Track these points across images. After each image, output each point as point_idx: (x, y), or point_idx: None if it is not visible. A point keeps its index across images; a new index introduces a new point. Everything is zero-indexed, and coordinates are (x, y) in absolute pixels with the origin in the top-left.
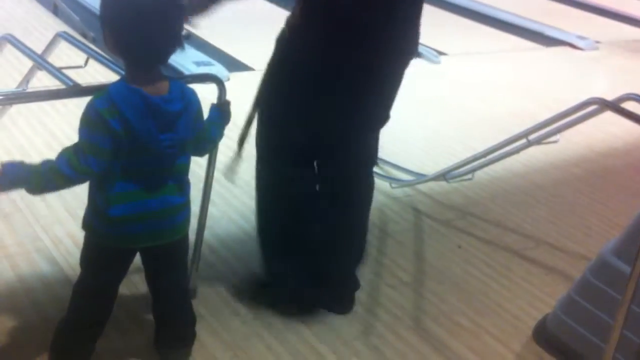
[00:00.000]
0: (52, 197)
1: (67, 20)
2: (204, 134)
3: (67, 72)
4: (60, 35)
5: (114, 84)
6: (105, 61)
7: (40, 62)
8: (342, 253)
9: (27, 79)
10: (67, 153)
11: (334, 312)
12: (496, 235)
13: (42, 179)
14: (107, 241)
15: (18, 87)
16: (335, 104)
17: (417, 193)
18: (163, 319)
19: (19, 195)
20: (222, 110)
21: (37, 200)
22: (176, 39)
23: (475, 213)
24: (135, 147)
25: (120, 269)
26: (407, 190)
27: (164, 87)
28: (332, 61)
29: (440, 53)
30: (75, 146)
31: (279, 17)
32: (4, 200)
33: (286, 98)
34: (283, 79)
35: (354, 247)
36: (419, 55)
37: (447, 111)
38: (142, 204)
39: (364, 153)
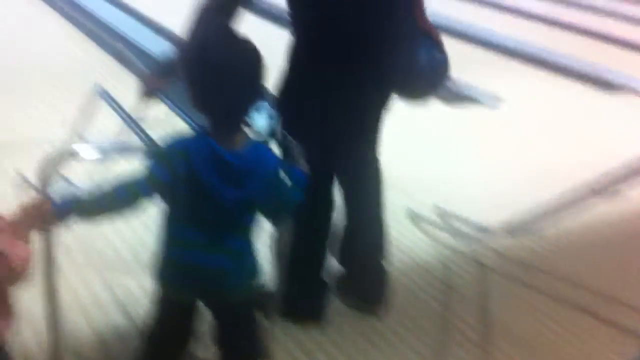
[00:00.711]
0: (124, 249)
1: (129, 66)
2: (283, 200)
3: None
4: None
5: (194, 132)
6: None
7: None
8: (363, 246)
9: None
10: (125, 180)
11: (367, 303)
12: (563, 290)
13: (93, 204)
14: (162, 286)
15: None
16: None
17: (482, 247)
18: None
19: (95, 249)
20: (301, 173)
21: (110, 253)
22: (252, 98)
23: (541, 267)
24: (197, 194)
25: (181, 319)
26: (472, 244)
27: (239, 143)
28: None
29: (499, 99)
30: (133, 177)
31: None
32: (79, 253)
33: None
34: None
35: (373, 238)
36: (476, 101)
37: (509, 161)
38: (195, 255)
39: (365, 145)
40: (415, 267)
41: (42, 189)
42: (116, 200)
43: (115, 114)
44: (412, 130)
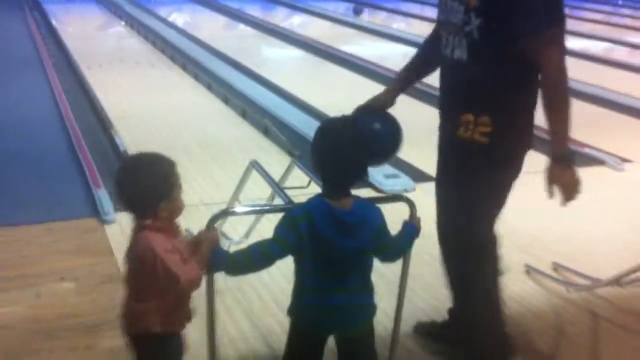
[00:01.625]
0: (264, 292)
1: (276, 141)
2: (390, 245)
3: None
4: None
5: (313, 197)
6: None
7: (273, 184)
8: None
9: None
10: (261, 243)
11: None
12: None
13: (236, 263)
14: (300, 326)
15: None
16: None
17: (595, 297)
18: None
19: (241, 293)
20: (412, 226)
21: (253, 296)
22: (362, 171)
23: None
24: (321, 248)
25: (313, 350)
26: (584, 294)
27: (349, 203)
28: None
29: (624, 160)
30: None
31: None
32: (227, 295)
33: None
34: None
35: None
36: (601, 162)
37: (626, 217)
38: (329, 298)
39: None
40: (529, 317)
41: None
42: (254, 261)
43: (264, 182)
44: (536, 189)
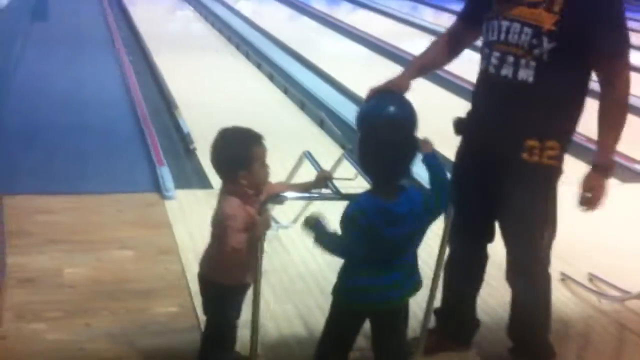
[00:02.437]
0: (307, 275)
1: (330, 133)
2: (437, 200)
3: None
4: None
5: (363, 193)
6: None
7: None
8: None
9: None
10: (336, 237)
11: None
12: None
13: (323, 243)
14: (345, 304)
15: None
16: None
17: (626, 310)
18: None
19: (287, 275)
20: (431, 155)
21: (296, 278)
22: (408, 168)
23: None
24: (373, 238)
25: (352, 329)
26: (616, 306)
27: (396, 195)
28: None
29: None
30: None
31: None
32: (274, 276)
33: None
34: None
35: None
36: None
37: None
38: (375, 279)
39: None
40: (559, 323)
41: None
42: (335, 250)
43: (316, 172)
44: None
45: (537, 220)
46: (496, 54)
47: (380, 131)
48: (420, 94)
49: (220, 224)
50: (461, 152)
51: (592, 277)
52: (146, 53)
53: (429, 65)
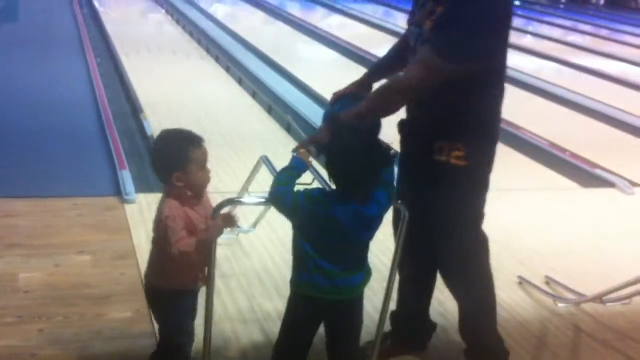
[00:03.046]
0: (266, 278)
1: (297, 137)
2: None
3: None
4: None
5: (337, 194)
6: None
7: None
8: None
9: None
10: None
11: None
12: None
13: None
14: (302, 299)
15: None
16: None
17: (581, 312)
18: None
19: (245, 277)
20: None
21: (255, 281)
22: (377, 178)
23: (634, 337)
24: (335, 237)
25: (307, 325)
26: (571, 309)
27: (366, 197)
28: None
29: (634, 184)
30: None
31: None
32: (232, 279)
33: None
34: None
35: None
36: (610, 184)
37: (628, 240)
38: (334, 279)
39: None
40: (514, 324)
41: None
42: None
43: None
44: (539, 205)
45: (453, 219)
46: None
47: (346, 137)
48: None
49: (159, 225)
50: (399, 156)
51: (549, 280)
52: (114, 55)
53: (390, 68)
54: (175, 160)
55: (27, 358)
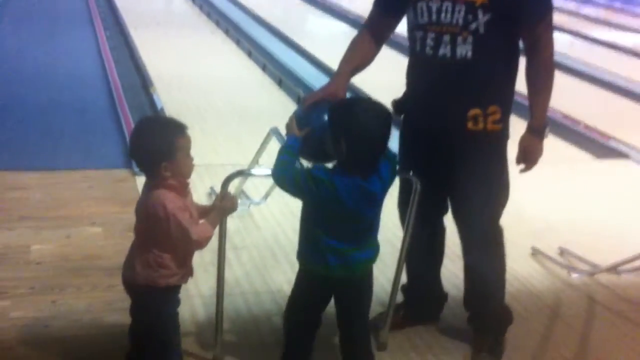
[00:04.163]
0: (278, 251)
1: None
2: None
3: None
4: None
5: (339, 171)
6: None
7: None
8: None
9: None
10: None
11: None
12: None
13: (284, 159)
14: (313, 277)
15: None
16: None
17: (595, 283)
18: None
19: (257, 249)
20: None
21: (267, 254)
22: (382, 152)
23: None
24: (342, 215)
25: (315, 298)
26: (586, 279)
27: (369, 172)
28: None
29: None
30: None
31: None
32: (244, 251)
33: None
34: None
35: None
36: (625, 155)
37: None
38: (347, 257)
39: None
40: (528, 295)
41: (225, 197)
42: (282, 166)
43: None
44: (555, 177)
45: (494, 186)
46: (430, 35)
47: (371, 123)
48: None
49: (159, 222)
50: (404, 133)
51: (563, 251)
52: (124, 29)
53: (359, 66)
54: (162, 151)
55: (41, 329)
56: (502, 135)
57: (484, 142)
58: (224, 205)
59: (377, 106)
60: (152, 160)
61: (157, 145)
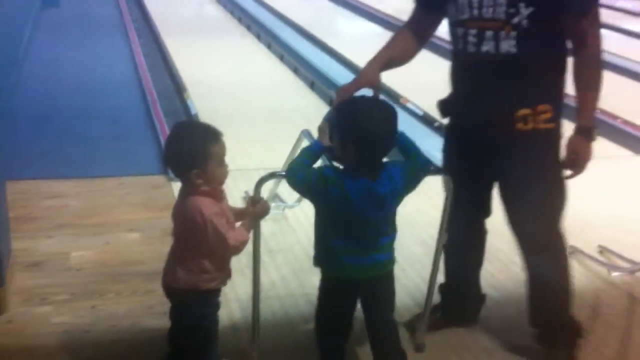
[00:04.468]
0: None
1: None
2: (416, 172)
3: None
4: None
5: (346, 171)
6: None
7: None
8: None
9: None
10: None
11: None
12: None
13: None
14: (332, 277)
15: None
16: None
17: (636, 281)
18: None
19: (292, 253)
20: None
21: (303, 257)
22: (392, 143)
23: None
24: (353, 218)
25: (340, 300)
26: (626, 277)
27: (378, 173)
28: None
29: None
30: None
31: None
32: (278, 255)
33: None
34: None
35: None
36: None
37: None
38: (358, 259)
39: None
40: None
41: (258, 201)
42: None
43: None
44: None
45: (549, 188)
46: (472, 31)
47: (373, 118)
48: None
49: (197, 228)
50: (450, 135)
51: (602, 249)
52: (156, 35)
53: (396, 60)
54: (194, 158)
55: (81, 335)
56: (555, 135)
57: (535, 143)
58: (256, 210)
59: (379, 104)
60: (183, 167)
61: (188, 152)
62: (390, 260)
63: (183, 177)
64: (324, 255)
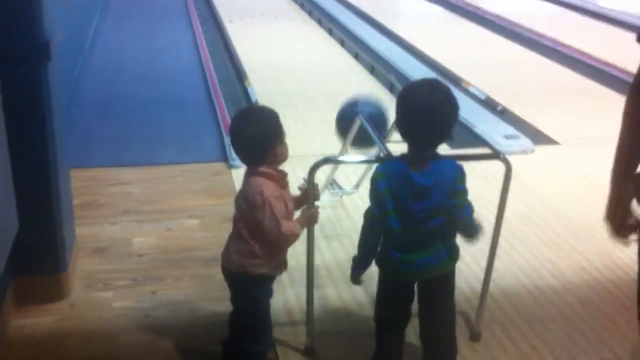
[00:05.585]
0: None
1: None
2: (457, 210)
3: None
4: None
5: (393, 158)
6: None
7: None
8: None
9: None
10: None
11: None
12: None
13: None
14: (389, 275)
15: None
16: None
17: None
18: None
19: (347, 239)
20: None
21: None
22: (445, 135)
23: None
24: (398, 208)
25: (403, 294)
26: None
27: (426, 164)
28: None
29: None
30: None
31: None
32: (335, 242)
33: None
34: None
35: None
36: None
37: None
38: (410, 258)
39: None
40: (631, 282)
41: (314, 188)
42: (366, 234)
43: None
44: None
45: None
46: None
47: (418, 92)
48: None
49: (255, 207)
50: None
51: None
52: (219, 22)
53: None
54: (274, 136)
55: (141, 319)
56: None
57: None
58: (310, 213)
59: (434, 84)
60: (259, 151)
61: (268, 131)
62: (447, 260)
63: (257, 160)
64: (382, 252)
